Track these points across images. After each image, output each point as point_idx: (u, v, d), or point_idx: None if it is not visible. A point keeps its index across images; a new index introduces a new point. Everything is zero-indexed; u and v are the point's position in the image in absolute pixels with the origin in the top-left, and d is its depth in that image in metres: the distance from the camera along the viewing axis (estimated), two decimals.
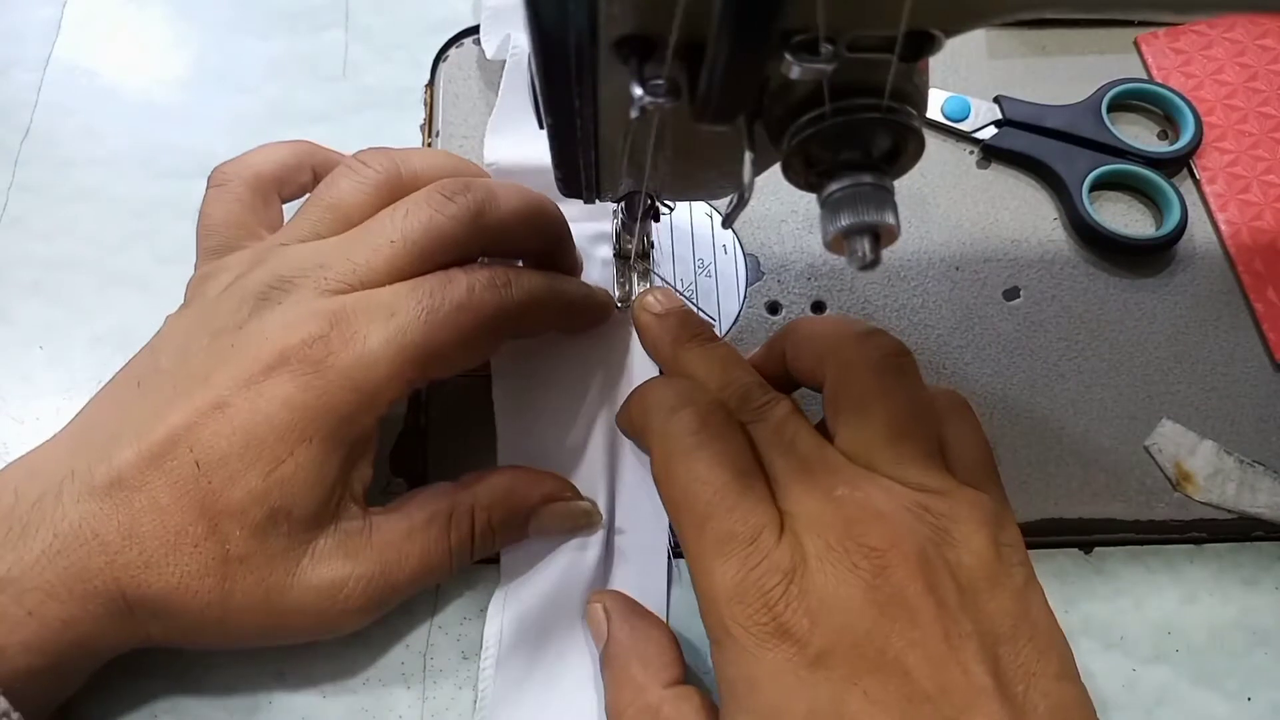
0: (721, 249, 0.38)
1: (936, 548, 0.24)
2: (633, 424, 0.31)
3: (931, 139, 0.40)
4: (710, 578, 0.25)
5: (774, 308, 0.37)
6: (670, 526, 0.31)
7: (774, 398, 0.28)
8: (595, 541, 0.32)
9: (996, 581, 0.24)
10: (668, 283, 0.37)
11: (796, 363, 0.29)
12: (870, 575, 0.23)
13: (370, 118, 0.41)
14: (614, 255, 0.36)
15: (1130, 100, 0.41)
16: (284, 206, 0.34)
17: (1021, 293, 0.37)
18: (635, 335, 0.35)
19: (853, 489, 0.25)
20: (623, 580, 0.32)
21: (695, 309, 0.36)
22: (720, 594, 0.24)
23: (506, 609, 0.31)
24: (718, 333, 0.36)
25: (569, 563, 0.32)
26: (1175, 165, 0.39)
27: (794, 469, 0.26)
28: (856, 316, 0.37)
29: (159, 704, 0.31)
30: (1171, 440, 0.35)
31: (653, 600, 0.31)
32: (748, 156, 0.21)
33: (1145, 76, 0.41)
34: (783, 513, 0.25)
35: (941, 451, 0.27)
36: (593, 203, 0.29)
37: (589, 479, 0.33)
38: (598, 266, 0.36)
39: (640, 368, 0.35)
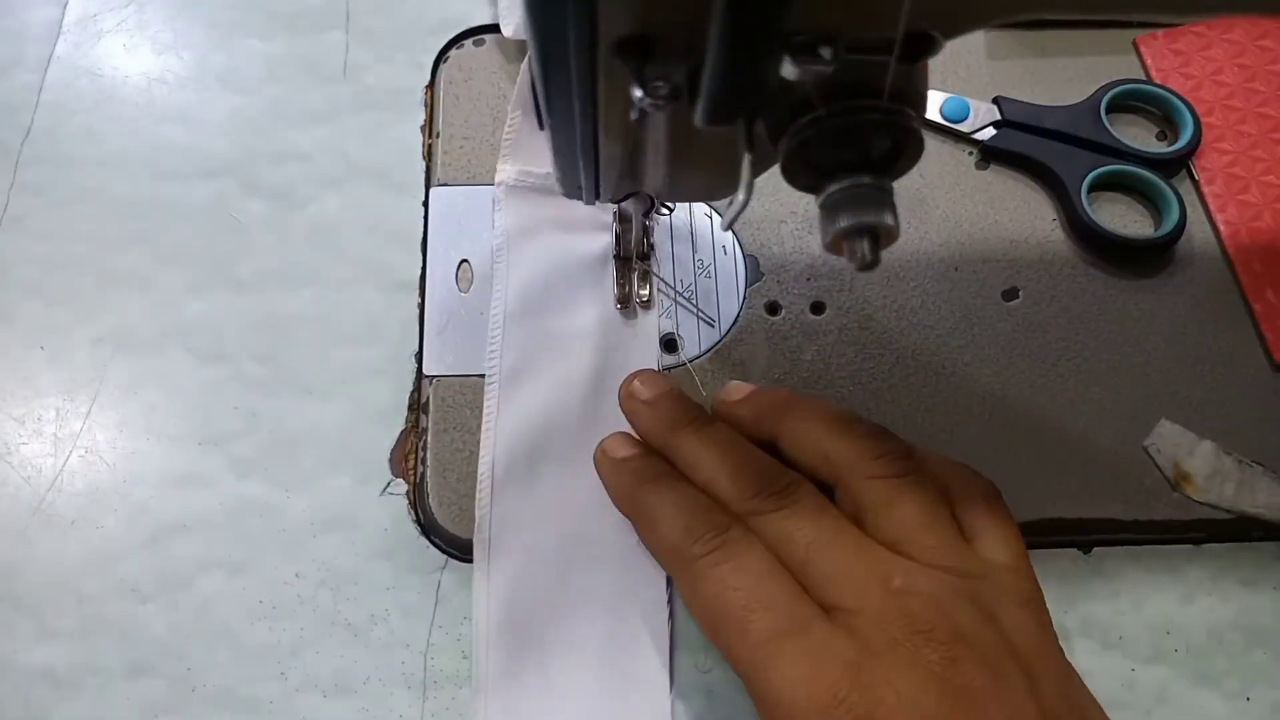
0: (721, 250, 0.38)
1: (992, 631, 0.25)
2: (643, 539, 0.30)
3: (930, 140, 0.40)
4: (768, 678, 0.24)
5: (773, 308, 0.37)
6: None
7: (794, 480, 0.28)
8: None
9: (1043, 659, 0.25)
10: (667, 283, 0.37)
11: (795, 456, 0.29)
12: (941, 668, 0.24)
13: (370, 118, 0.41)
14: (614, 256, 0.36)
15: (1129, 101, 0.41)
16: None
17: (1020, 293, 0.37)
18: (633, 336, 0.35)
19: (908, 579, 0.25)
20: (620, 592, 0.32)
21: (695, 310, 0.36)
22: (785, 694, 0.24)
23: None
24: (717, 333, 0.36)
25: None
26: (1174, 166, 0.39)
27: (843, 561, 0.26)
28: (854, 326, 0.36)
29: (159, 704, 0.31)
30: (1170, 440, 0.35)
31: (655, 600, 0.31)
32: (747, 158, 0.21)
33: (1144, 77, 0.41)
34: (831, 606, 0.25)
35: (973, 536, 0.27)
36: (592, 203, 0.29)
37: (580, 472, 0.33)
38: (597, 266, 0.36)
39: (638, 366, 0.35)
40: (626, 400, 0.32)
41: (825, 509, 0.27)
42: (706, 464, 0.29)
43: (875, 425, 0.29)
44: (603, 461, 0.31)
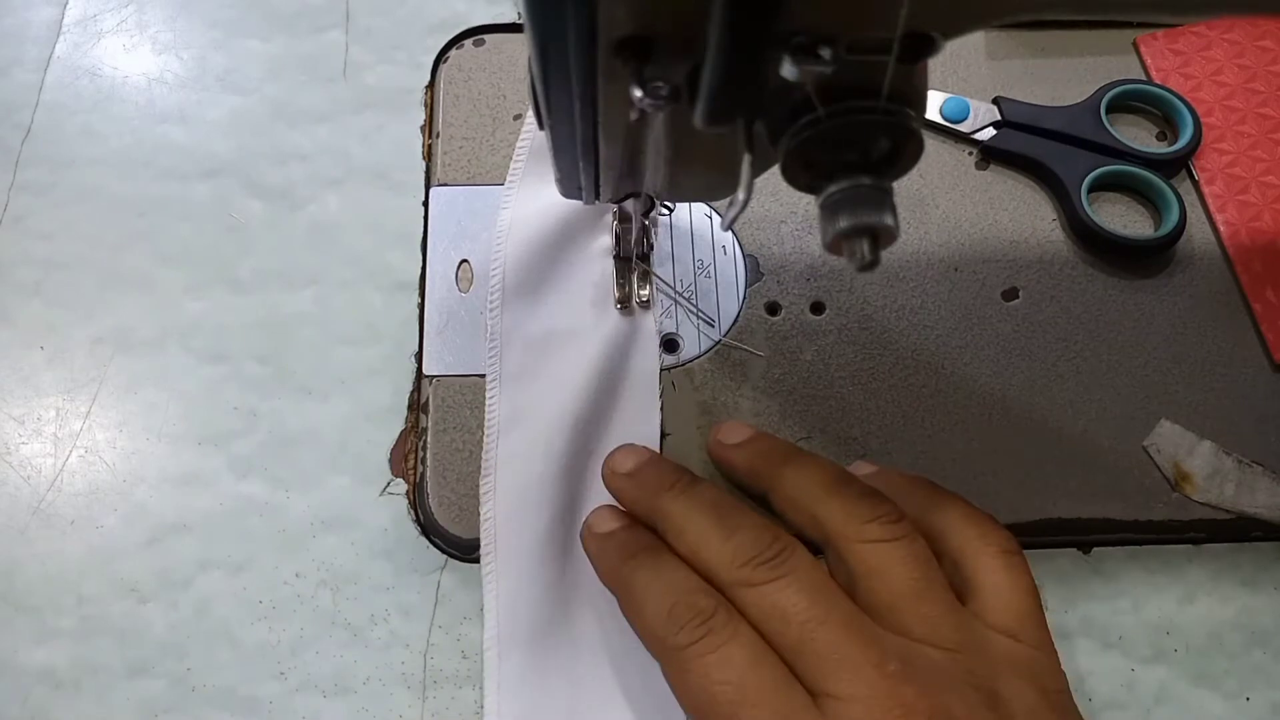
0: (721, 250, 0.38)
1: (988, 712, 0.24)
2: (627, 619, 0.29)
3: (930, 140, 0.40)
4: None
5: (773, 308, 0.37)
6: None
7: (786, 545, 0.27)
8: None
9: None
10: (667, 283, 0.37)
11: (785, 513, 0.29)
12: None
13: (370, 119, 0.41)
14: (614, 256, 0.36)
15: (1129, 101, 0.41)
16: None
17: (1020, 293, 0.37)
18: (635, 337, 0.35)
19: (904, 664, 0.24)
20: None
21: (695, 310, 0.36)
22: None
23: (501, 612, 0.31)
24: (717, 333, 0.36)
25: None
26: (1174, 166, 0.39)
27: (836, 643, 0.25)
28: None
29: (159, 704, 0.31)
30: (1170, 440, 0.35)
31: None
32: (746, 158, 0.21)
33: (1144, 78, 0.41)
34: (822, 692, 0.24)
35: (975, 593, 0.27)
36: (592, 203, 0.29)
37: (578, 477, 0.33)
38: (597, 267, 0.36)
39: (638, 367, 0.35)
40: (610, 477, 0.31)
41: (819, 580, 0.26)
42: (694, 528, 0.28)
43: (868, 487, 0.28)
44: (588, 538, 0.30)
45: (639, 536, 0.29)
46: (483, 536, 0.32)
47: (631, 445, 0.32)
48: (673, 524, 0.29)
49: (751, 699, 0.25)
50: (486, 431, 0.34)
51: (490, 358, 0.35)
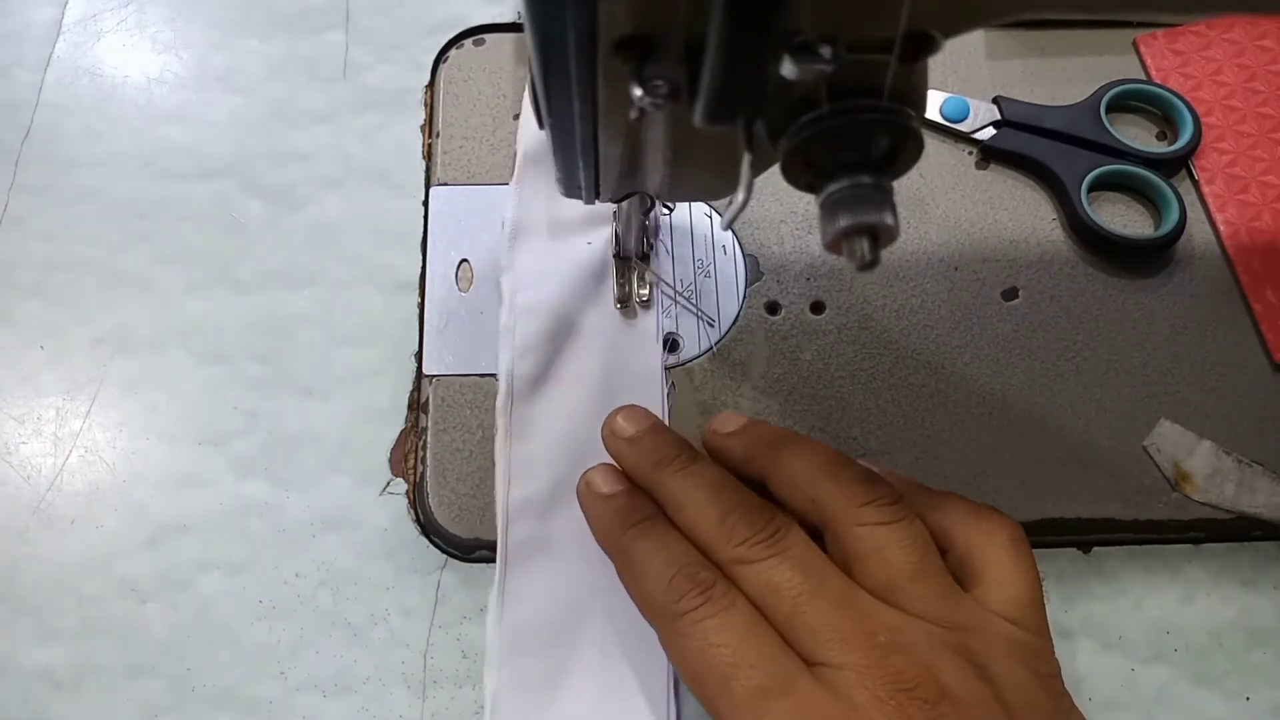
0: (721, 249, 0.38)
1: (981, 685, 0.24)
2: (625, 585, 0.29)
3: (930, 140, 0.40)
4: None
5: (773, 308, 0.37)
6: None
7: (783, 524, 0.27)
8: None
9: (1036, 710, 0.25)
10: (667, 283, 0.37)
11: (783, 497, 0.29)
12: None
13: (370, 119, 0.41)
14: (614, 256, 0.36)
15: (1129, 101, 0.41)
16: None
17: (1020, 293, 0.37)
18: (635, 337, 0.35)
19: (895, 634, 0.25)
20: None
21: (695, 310, 0.36)
22: None
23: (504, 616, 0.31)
24: (717, 333, 0.36)
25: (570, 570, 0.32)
26: (1174, 166, 0.39)
27: (829, 615, 0.25)
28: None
29: (159, 704, 0.31)
30: (1170, 440, 0.35)
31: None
32: (746, 158, 0.21)
33: (1144, 77, 0.41)
34: (815, 660, 0.25)
35: (976, 581, 0.27)
36: (592, 203, 0.29)
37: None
38: (595, 266, 0.36)
39: (640, 367, 0.35)
40: (610, 439, 0.31)
41: (812, 558, 0.27)
42: (692, 505, 0.28)
43: (865, 470, 0.28)
44: (586, 495, 0.31)
45: (640, 504, 0.29)
46: (499, 542, 0.32)
47: (633, 408, 0.32)
48: (671, 499, 0.29)
49: (749, 660, 0.25)
50: (498, 439, 0.34)
51: (501, 360, 0.35)
